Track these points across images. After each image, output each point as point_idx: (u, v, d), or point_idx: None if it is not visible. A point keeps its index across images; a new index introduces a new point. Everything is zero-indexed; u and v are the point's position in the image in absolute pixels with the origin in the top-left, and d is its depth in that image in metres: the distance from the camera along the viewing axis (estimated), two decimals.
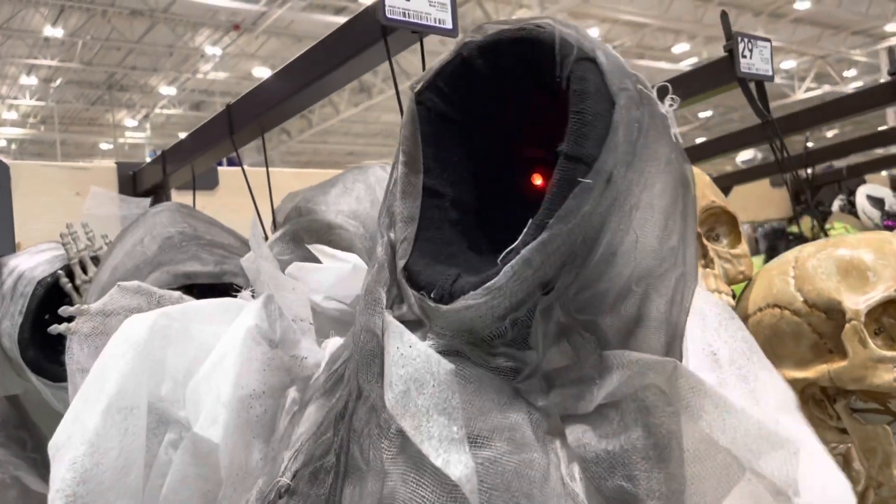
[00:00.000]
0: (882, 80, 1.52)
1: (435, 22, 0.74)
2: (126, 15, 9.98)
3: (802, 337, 0.94)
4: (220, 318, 0.79)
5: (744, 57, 1.05)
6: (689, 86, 1.12)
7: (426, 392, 0.51)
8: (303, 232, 0.94)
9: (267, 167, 1.02)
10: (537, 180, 0.65)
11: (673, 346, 0.56)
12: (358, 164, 1.03)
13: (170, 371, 0.74)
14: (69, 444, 0.67)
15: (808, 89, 12.64)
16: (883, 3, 10.69)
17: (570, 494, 0.51)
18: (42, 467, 1.20)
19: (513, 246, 0.50)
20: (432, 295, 0.53)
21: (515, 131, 0.63)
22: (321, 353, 0.75)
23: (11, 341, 1.07)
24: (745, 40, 1.05)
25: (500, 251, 0.52)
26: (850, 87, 12.50)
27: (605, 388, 0.51)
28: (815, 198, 2.30)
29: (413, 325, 0.55)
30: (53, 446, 0.68)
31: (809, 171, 1.98)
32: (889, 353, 0.88)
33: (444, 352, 0.53)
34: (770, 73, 1.08)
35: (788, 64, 12.35)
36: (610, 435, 0.51)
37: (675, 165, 0.56)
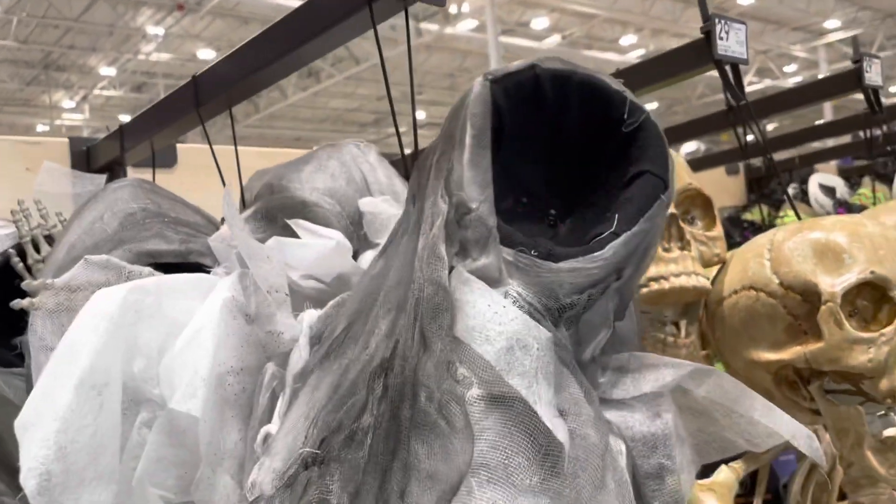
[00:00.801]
0: (820, 76, 1.55)
1: None
2: None
3: (778, 319, 0.95)
4: (193, 294, 0.75)
5: (720, 39, 1.05)
6: (667, 67, 1.12)
7: (531, 355, 0.53)
8: (276, 210, 0.90)
9: (235, 143, 0.98)
10: (539, 205, 0.71)
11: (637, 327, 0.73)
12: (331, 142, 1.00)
13: (142, 348, 0.70)
14: (40, 422, 0.63)
15: (750, 83, 12.93)
16: (823, 1, 10.98)
17: (616, 469, 0.56)
18: None
19: (610, 230, 0.58)
20: (533, 252, 0.57)
21: (545, 156, 0.68)
22: (298, 326, 0.72)
23: None
24: (722, 22, 1.05)
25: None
26: (790, 82, 12.82)
27: (646, 380, 0.62)
28: (769, 186, 2.34)
29: (489, 282, 0.57)
30: (21, 426, 0.64)
31: (767, 157, 2.01)
32: (864, 335, 0.89)
33: (536, 322, 0.57)
34: (745, 55, 1.08)
35: None
36: (648, 420, 0.60)
37: None
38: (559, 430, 0.52)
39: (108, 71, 12.25)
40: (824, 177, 2.29)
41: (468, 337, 0.53)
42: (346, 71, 11.87)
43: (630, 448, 0.58)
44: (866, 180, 2.28)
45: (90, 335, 0.68)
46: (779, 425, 0.64)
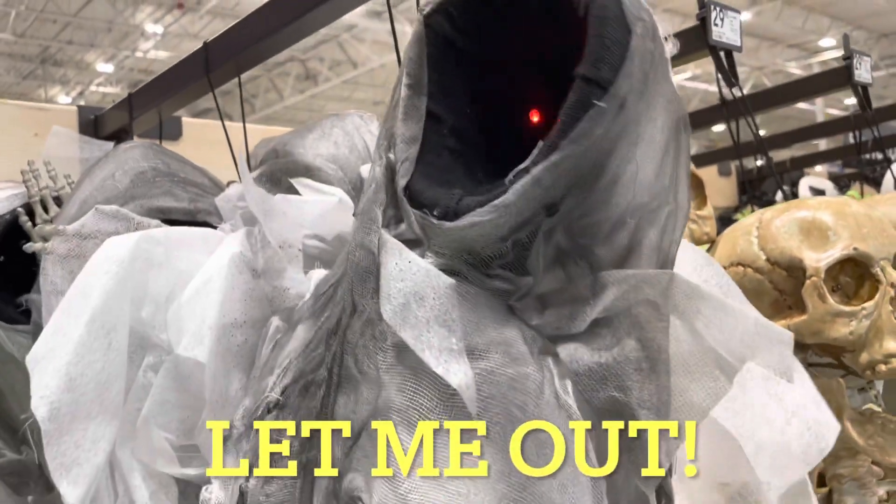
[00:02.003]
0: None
1: None
2: None
3: (764, 293, 0.98)
4: (201, 247, 0.78)
5: (715, 25, 1.08)
6: None
7: (426, 304, 0.52)
8: (281, 172, 0.93)
9: (242, 111, 1.01)
10: (536, 116, 0.65)
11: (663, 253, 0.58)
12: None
13: (151, 294, 0.73)
14: (52, 354, 0.66)
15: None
16: (818, 19, 11.09)
17: (563, 406, 0.52)
18: None
19: (522, 165, 0.50)
20: (435, 213, 0.53)
21: (521, 62, 0.63)
22: (306, 283, 0.75)
23: None
24: (718, 9, 1.08)
25: (498, 180, 0.52)
26: None
27: (599, 305, 0.53)
28: (761, 188, 2.39)
29: (411, 244, 0.55)
30: (32, 359, 0.67)
31: (760, 158, 2.05)
32: (846, 308, 0.92)
33: (443, 271, 0.54)
34: (739, 43, 1.12)
35: None
36: (602, 349, 0.53)
37: (674, 105, 0.57)
38: (455, 376, 0.50)
39: (105, 67, 12.25)
40: (815, 180, 2.33)
41: (380, 297, 0.53)
42: (344, 75, 11.91)
43: (577, 383, 0.53)
44: (856, 185, 2.33)
45: (102, 277, 0.71)
46: (733, 331, 0.54)
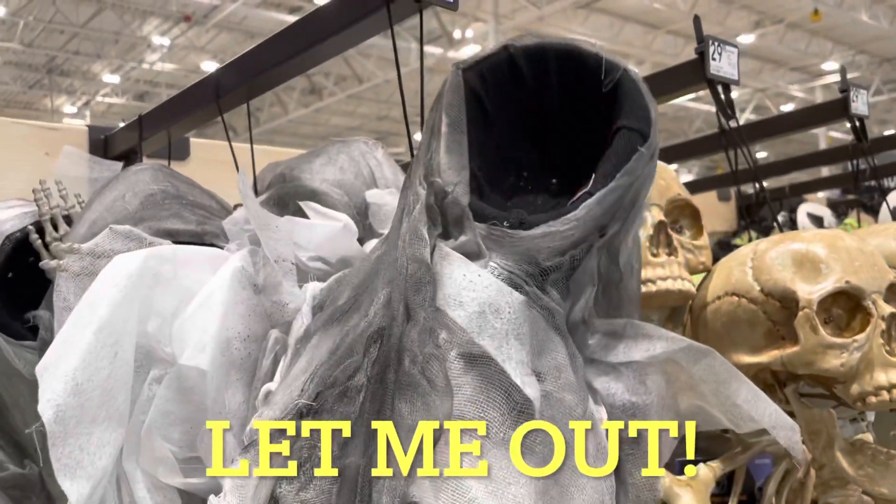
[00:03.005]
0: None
1: None
2: None
3: (757, 324, 1.00)
4: (207, 266, 0.80)
5: (713, 60, 1.11)
6: (661, 85, 1.17)
7: (503, 317, 0.58)
8: (288, 196, 0.95)
9: (251, 135, 1.03)
10: (540, 176, 0.74)
11: (637, 293, 0.74)
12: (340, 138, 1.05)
13: (157, 309, 0.75)
14: (60, 361, 0.68)
15: (748, 121, 13.08)
16: (821, 43, 11.17)
17: (596, 435, 0.60)
18: None
19: (585, 190, 0.61)
20: (505, 224, 0.61)
21: (524, 124, 0.71)
22: (301, 296, 0.77)
23: None
24: (715, 44, 1.11)
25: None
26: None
27: (640, 349, 0.64)
28: (759, 214, 2.41)
29: (470, 257, 0.61)
30: (42, 367, 0.69)
31: (757, 185, 2.07)
32: (838, 340, 0.94)
33: (511, 288, 0.60)
34: (736, 77, 1.14)
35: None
36: (631, 390, 0.63)
37: None
38: (529, 388, 0.56)
39: (111, 78, 12.33)
40: (813, 206, 2.35)
41: (445, 304, 0.59)
42: (349, 89, 11.98)
43: (610, 414, 0.62)
44: (854, 212, 2.36)
45: (111, 290, 0.73)
46: (762, 413, 0.67)
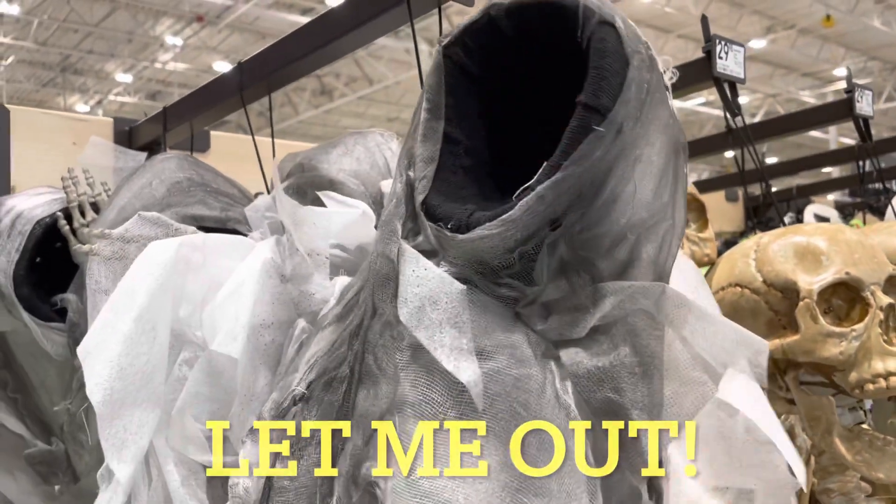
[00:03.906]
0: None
1: None
2: None
3: (760, 313, 1.03)
4: (235, 254, 0.84)
5: (720, 58, 1.14)
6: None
7: (439, 308, 0.57)
8: (306, 186, 0.99)
9: (272, 128, 1.07)
10: (542, 138, 0.72)
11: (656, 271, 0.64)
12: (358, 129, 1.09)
13: (188, 295, 0.79)
14: (103, 346, 0.72)
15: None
16: (833, 49, 11.15)
17: (562, 405, 0.58)
18: (22, 408, 1.22)
19: (528, 184, 0.55)
20: (449, 226, 0.59)
21: (530, 89, 0.69)
22: (330, 288, 0.81)
23: (6, 277, 1.09)
24: (722, 43, 1.15)
25: (507, 197, 0.58)
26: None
27: (598, 313, 0.59)
28: (766, 214, 2.43)
29: (427, 254, 0.61)
30: (83, 350, 0.73)
31: (764, 185, 2.10)
32: (837, 329, 0.97)
33: (456, 279, 0.60)
34: (742, 75, 1.18)
35: (741, 99, 12.64)
36: (600, 354, 0.59)
37: (672, 129, 0.63)
38: (463, 372, 0.55)
39: (124, 77, 12.42)
40: (820, 207, 2.38)
41: (398, 301, 0.59)
42: (359, 91, 12.03)
43: (577, 384, 0.58)
44: (860, 214, 2.38)
45: (147, 279, 0.77)
46: (714, 337, 0.61)
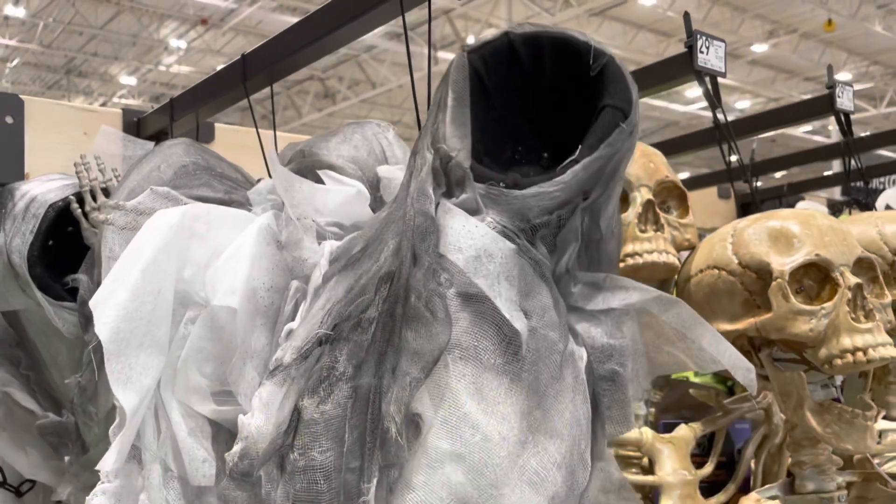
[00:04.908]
0: (830, 127, 1.70)
1: None
2: (92, 0, 9.90)
3: (735, 294, 1.08)
4: (235, 225, 0.90)
5: (701, 53, 1.20)
6: (652, 77, 1.26)
7: (495, 261, 0.68)
8: (306, 170, 1.04)
9: (274, 120, 1.13)
10: (533, 150, 0.82)
11: (614, 258, 0.81)
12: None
13: (192, 259, 0.85)
14: (112, 294, 0.78)
15: (758, 113, 13.11)
16: (835, 53, 11.21)
17: (575, 368, 0.70)
18: (34, 385, 1.27)
19: (572, 157, 0.69)
20: (502, 185, 0.70)
21: (530, 104, 0.80)
22: (320, 252, 0.86)
23: (21, 258, 1.15)
24: (703, 38, 1.20)
25: None
26: (800, 131, 13.01)
27: (617, 298, 0.73)
28: (759, 210, 2.49)
29: (469, 212, 0.70)
30: (95, 301, 0.79)
31: (755, 182, 2.15)
32: (807, 307, 1.03)
33: (502, 238, 0.69)
34: (723, 69, 1.23)
35: (743, 103, 12.82)
36: (609, 333, 0.73)
37: None
38: (517, 322, 0.66)
39: (128, 80, 12.52)
40: (810, 204, 2.43)
41: (446, 250, 0.68)
42: (362, 94, 12.12)
43: (589, 354, 0.71)
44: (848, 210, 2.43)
45: (154, 237, 0.83)
46: (723, 354, 0.75)
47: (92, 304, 0.78)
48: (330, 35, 1.01)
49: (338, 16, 0.99)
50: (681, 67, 1.22)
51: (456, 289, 0.67)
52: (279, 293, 0.85)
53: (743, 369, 0.75)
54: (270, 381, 0.71)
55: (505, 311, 0.66)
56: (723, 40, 1.24)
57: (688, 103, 12.52)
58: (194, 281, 0.84)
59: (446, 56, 10.66)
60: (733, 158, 1.50)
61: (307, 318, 0.76)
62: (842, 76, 11.80)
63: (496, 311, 0.67)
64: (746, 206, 2.57)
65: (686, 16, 1.22)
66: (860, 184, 1.79)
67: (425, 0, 0.89)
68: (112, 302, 0.77)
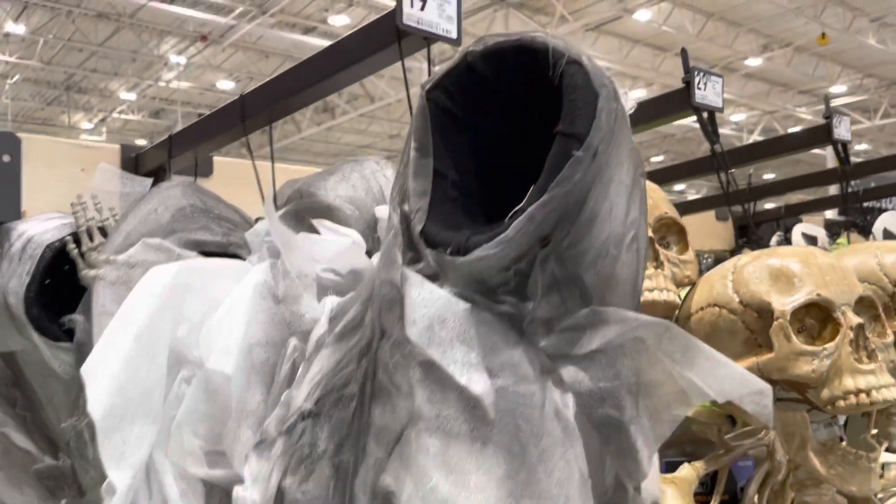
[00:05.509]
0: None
1: (443, 31, 0.87)
2: (92, 17, 9.91)
3: (737, 333, 1.08)
4: (232, 277, 0.89)
5: (699, 89, 1.20)
6: (650, 112, 1.26)
7: (448, 326, 0.63)
8: (304, 211, 1.04)
9: (272, 154, 1.13)
10: (525, 167, 0.78)
11: (636, 298, 0.71)
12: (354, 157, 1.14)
13: (187, 316, 0.84)
14: (105, 364, 0.77)
15: (756, 142, 13.17)
16: (828, 66, 11.25)
17: (561, 419, 0.63)
18: (31, 425, 1.26)
19: (518, 207, 0.61)
20: (449, 250, 0.65)
21: (511, 123, 0.74)
22: (320, 309, 0.86)
23: (17, 299, 1.14)
24: (701, 74, 1.20)
25: (496, 223, 0.63)
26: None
27: (599, 336, 0.65)
28: (756, 233, 2.48)
29: (430, 278, 0.67)
30: (87, 370, 0.78)
31: (752, 206, 2.15)
32: (809, 348, 1.02)
33: (459, 299, 0.65)
34: (720, 105, 1.23)
35: (738, 116, 12.86)
36: (601, 375, 0.65)
37: (635, 153, 0.70)
38: (475, 385, 0.61)
39: (128, 95, 12.54)
40: (808, 226, 2.43)
41: (406, 322, 0.64)
42: (361, 108, 12.14)
43: (581, 401, 0.64)
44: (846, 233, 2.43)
45: (148, 299, 0.82)
46: (726, 378, 0.64)
47: (83, 371, 0.77)
48: (329, 79, 1.00)
49: (337, 60, 0.99)
50: (679, 103, 1.22)
51: (418, 359, 0.64)
52: (275, 348, 0.84)
53: (754, 394, 0.64)
54: (257, 456, 0.70)
55: (459, 377, 0.61)
56: (720, 75, 1.24)
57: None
58: (189, 339, 0.83)
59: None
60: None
61: (299, 386, 0.75)
62: (836, 89, 11.85)
63: (451, 376, 0.63)
64: (744, 229, 2.56)
65: (683, 52, 1.22)
66: (865, 203, 1.79)
67: (424, 47, 0.89)
68: (104, 374, 0.76)
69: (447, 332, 0.62)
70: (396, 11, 0.84)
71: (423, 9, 0.85)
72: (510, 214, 0.61)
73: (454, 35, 0.89)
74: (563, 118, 0.60)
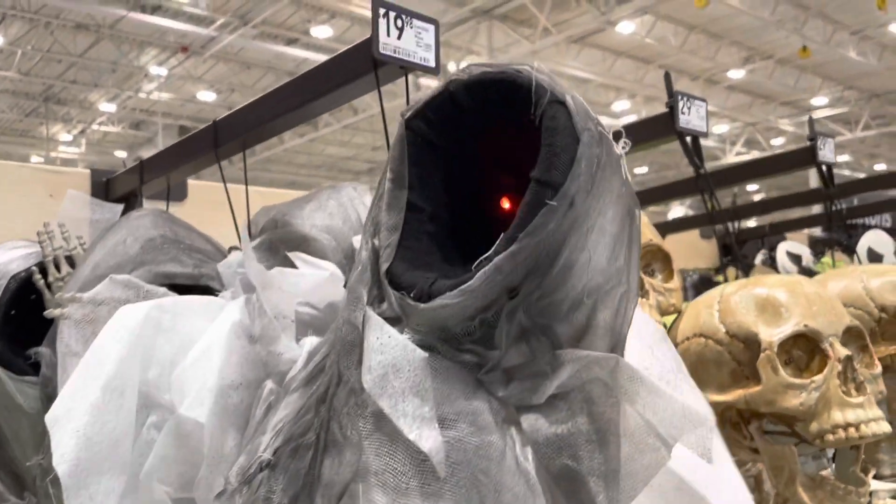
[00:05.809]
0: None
1: (420, 60, 0.84)
2: (71, 28, 9.83)
3: (724, 364, 1.06)
4: (204, 315, 0.85)
5: (682, 114, 1.18)
6: (633, 136, 1.24)
7: (402, 376, 0.59)
8: (279, 242, 1.01)
9: (246, 182, 1.09)
10: (506, 203, 0.75)
11: (616, 351, 0.66)
12: (332, 184, 1.11)
13: (157, 358, 0.80)
14: (70, 416, 0.73)
15: (738, 153, 13.27)
16: (810, 78, 11.35)
17: (522, 472, 0.59)
18: None
19: (486, 255, 0.58)
20: (412, 295, 0.61)
21: (490, 159, 0.71)
22: (298, 350, 0.82)
23: None
24: (685, 98, 1.18)
25: (470, 262, 0.60)
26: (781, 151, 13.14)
27: (556, 380, 0.60)
28: (741, 251, 2.47)
29: (392, 321, 0.63)
30: (52, 419, 0.73)
31: (736, 224, 2.14)
32: (797, 380, 1.00)
33: (419, 346, 0.61)
34: (705, 129, 1.21)
35: (721, 128, 12.95)
36: (559, 421, 0.60)
37: (624, 198, 0.65)
38: (425, 441, 0.57)
39: (107, 107, 12.43)
40: (792, 244, 2.42)
41: (363, 368, 0.61)
42: (344, 120, 12.10)
43: (536, 451, 0.60)
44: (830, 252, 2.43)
45: (115, 345, 0.78)
46: (664, 413, 0.60)
47: (48, 420, 0.74)
48: (303, 108, 0.97)
49: (313, 88, 0.96)
50: (663, 128, 1.20)
51: (371, 408, 0.60)
52: (250, 389, 0.81)
53: (696, 429, 0.60)
54: None
55: (408, 431, 0.57)
56: (704, 100, 1.22)
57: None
58: (160, 382, 0.79)
59: (429, 83, 10.69)
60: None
61: (259, 431, 0.71)
62: (817, 101, 11.96)
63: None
64: (728, 247, 2.55)
65: (667, 76, 1.20)
66: (850, 221, 1.78)
67: (401, 76, 0.86)
68: (71, 427, 0.72)
69: (400, 383, 0.58)
70: (372, 40, 0.82)
71: (399, 37, 0.82)
72: (477, 262, 0.58)
73: (432, 64, 0.87)
74: (539, 163, 0.57)
